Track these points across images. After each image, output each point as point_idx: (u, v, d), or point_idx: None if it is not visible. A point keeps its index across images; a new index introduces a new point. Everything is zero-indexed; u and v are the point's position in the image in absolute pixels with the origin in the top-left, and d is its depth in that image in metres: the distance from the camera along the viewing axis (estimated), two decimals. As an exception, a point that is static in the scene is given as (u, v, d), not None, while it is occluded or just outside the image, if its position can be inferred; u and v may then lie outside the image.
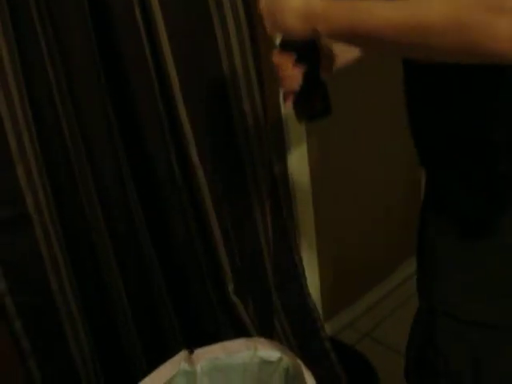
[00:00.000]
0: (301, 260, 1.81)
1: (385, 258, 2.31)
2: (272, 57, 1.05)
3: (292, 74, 1.03)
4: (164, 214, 1.48)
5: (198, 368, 1.33)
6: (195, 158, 1.42)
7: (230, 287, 1.56)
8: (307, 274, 1.85)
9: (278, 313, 1.76)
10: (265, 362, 1.32)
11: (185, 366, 1.32)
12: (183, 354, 1.33)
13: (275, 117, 1.70)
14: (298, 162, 1.82)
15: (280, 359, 1.31)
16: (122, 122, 1.38)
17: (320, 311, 1.96)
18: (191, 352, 1.34)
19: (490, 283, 1.08)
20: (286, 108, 1.11)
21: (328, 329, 2.06)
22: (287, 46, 1.03)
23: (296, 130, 1.77)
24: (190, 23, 1.36)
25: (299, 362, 1.27)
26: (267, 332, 1.70)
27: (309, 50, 1.03)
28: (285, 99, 1.09)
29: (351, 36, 0.86)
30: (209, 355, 1.35)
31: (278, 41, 1.06)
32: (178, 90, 1.36)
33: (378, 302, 2.33)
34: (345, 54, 1.17)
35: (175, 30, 1.32)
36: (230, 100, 1.47)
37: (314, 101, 1.07)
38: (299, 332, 1.84)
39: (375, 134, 2.07)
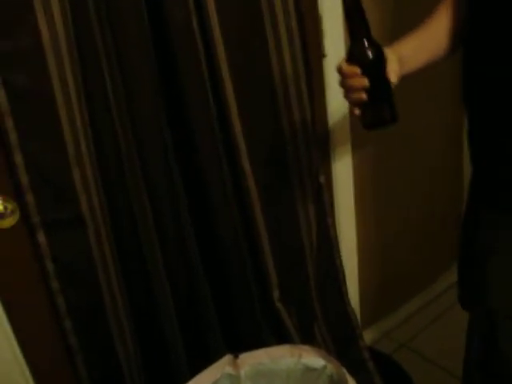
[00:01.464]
0: (342, 268, 1.81)
1: (424, 268, 2.31)
2: (339, 67, 1.09)
3: (359, 83, 1.06)
4: (213, 220, 1.50)
5: (242, 373, 1.36)
6: (247, 167, 1.45)
7: (276, 294, 1.57)
8: (347, 281, 1.87)
9: (318, 320, 1.77)
10: (308, 369, 1.34)
11: (229, 369, 1.34)
12: (228, 358, 1.35)
13: (323, 127, 1.72)
14: (343, 172, 1.84)
15: (324, 367, 1.32)
16: (176, 132, 1.42)
17: (358, 320, 1.96)
18: (236, 356, 1.36)
19: None
20: (354, 116, 1.13)
21: (366, 337, 2.06)
22: (356, 58, 1.07)
23: (342, 140, 1.79)
24: (245, 32, 1.39)
25: (343, 370, 1.28)
26: (308, 339, 1.71)
27: (376, 61, 1.07)
28: (352, 108, 1.13)
29: None
30: (253, 360, 1.37)
31: (344, 53, 1.10)
32: (232, 100, 1.39)
33: (416, 312, 2.32)
34: (411, 61, 1.20)
35: (230, 38, 1.35)
36: (280, 109, 1.49)
37: (381, 109, 1.11)
38: (338, 340, 1.85)
39: (421, 145, 2.07)
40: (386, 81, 1.09)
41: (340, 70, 1.09)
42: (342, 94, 1.12)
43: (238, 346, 1.54)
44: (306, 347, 1.38)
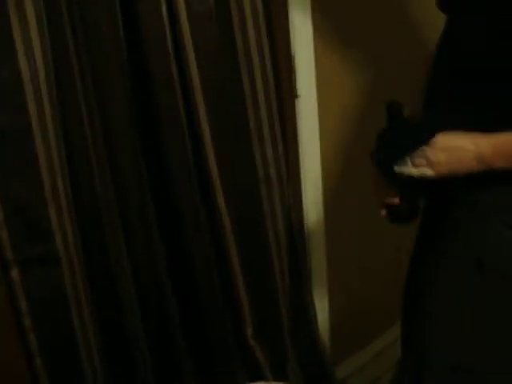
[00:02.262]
0: (313, 305, 1.83)
1: (395, 303, 2.33)
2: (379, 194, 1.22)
3: (392, 202, 1.20)
4: (188, 258, 1.51)
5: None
6: (221, 203, 1.47)
7: (249, 331, 1.58)
8: (318, 318, 1.88)
9: (290, 356, 1.78)
10: (282, 407, 1.35)
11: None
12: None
13: (295, 165, 1.75)
14: (314, 210, 1.87)
15: (297, 404, 1.33)
16: (153, 171, 1.44)
17: (329, 356, 1.97)
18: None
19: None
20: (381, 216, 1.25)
21: (338, 373, 2.07)
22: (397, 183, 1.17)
23: (312, 181, 1.82)
24: (221, 74, 1.43)
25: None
26: (279, 375, 1.71)
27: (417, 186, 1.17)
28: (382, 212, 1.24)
29: None
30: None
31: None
32: (209, 142, 1.43)
33: (387, 347, 2.33)
34: None
35: (208, 85, 1.40)
36: (254, 146, 1.53)
37: (408, 212, 1.23)
38: (310, 377, 1.86)
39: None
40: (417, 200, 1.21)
41: (376, 194, 1.24)
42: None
43: (211, 382, 1.54)
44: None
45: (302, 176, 1.80)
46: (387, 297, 2.29)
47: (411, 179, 1.13)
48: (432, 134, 1.10)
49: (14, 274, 1.25)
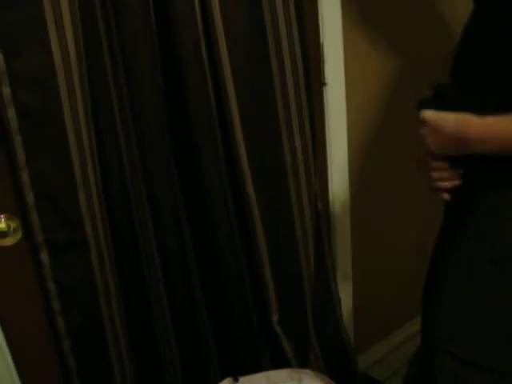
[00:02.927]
0: (337, 294, 1.83)
1: (418, 294, 2.32)
2: (429, 164, 1.16)
3: (449, 175, 1.15)
4: (215, 245, 1.52)
5: (241, 396, 1.36)
6: (251, 192, 1.47)
7: (275, 318, 1.58)
8: (342, 307, 1.88)
9: (314, 345, 1.78)
10: (308, 394, 1.35)
11: (229, 393, 1.35)
12: (228, 381, 1.35)
13: (322, 154, 1.75)
14: (340, 199, 1.87)
15: (323, 392, 1.33)
16: (181, 159, 1.44)
17: (353, 345, 1.97)
18: (236, 380, 1.37)
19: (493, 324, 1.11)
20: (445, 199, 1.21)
21: (360, 363, 2.07)
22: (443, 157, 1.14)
23: (340, 168, 1.82)
24: (251, 63, 1.43)
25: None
26: (303, 364, 1.71)
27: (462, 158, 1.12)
28: (441, 194, 1.20)
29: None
30: (253, 384, 1.37)
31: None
32: (238, 128, 1.42)
33: (409, 338, 2.33)
34: None
35: (238, 71, 1.39)
36: (283, 138, 1.52)
37: None
38: (333, 366, 1.86)
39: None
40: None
41: (427, 164, 1.17)
42: (429, 184, 1.20)
43: (236, 369, 1.55)
44: (307, 371, 1.39)
45: (329, 165, 1.79)
46: (411, 288, 2.28)
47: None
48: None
49: (44, 256, 1.27)
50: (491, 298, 1.12)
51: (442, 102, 1.13)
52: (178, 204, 1.45)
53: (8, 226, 1.26)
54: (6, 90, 1.13)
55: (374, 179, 1.97)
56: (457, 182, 1.15)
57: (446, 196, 1.19)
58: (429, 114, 1.11)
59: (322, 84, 1.69)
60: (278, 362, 1.62)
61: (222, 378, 1.40)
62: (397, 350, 2.29)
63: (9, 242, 1.27)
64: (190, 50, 1.33)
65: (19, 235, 1.27)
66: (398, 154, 1.98)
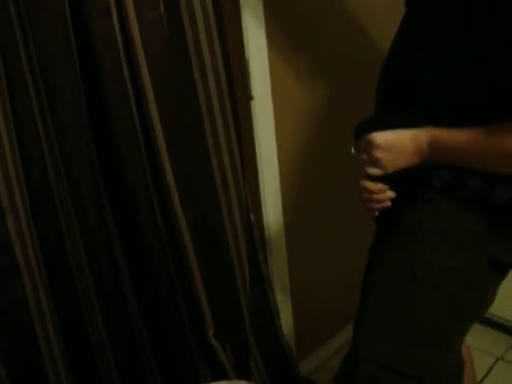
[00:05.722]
0: (275, 302, 1.86)
1: (356, 298, 2.37)
2: (366, 185, 1.24)
3: (386, 197, 1.22)
4: (146, 263, 1.53)
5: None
6: (177, 206, 1.48)
7: (210, 331, 1.61)
8: (280, 314, 1.92)
9: (254, 355, 1.81)
10: (245, 404, 1.38)
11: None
12: (166, 398, 1.37)
13: (252, 167, 1.78)
14: (273, 210, 1.90)
15: (259, 401, 1.36)
16: (106, 171, 1.44)
17: (294, 352, 2.01)
18: (174, 396, 1.39)
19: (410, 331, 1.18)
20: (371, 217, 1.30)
21: (303, 368, 2.11)
22: (381, 178, 1.21)
23: (271, 179, 1.86)
24: (173, 76, 1.44)
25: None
26: (244, 373, 1.74)
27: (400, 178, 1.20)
28: (372, 213, 1.28)
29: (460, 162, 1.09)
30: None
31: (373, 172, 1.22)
32: (162, 145, 1.44)
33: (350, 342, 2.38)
34: None
35: (159, 83, 1.41)
36: (210, 150, 1.54)
37: None
38: (274, 373, 1.89)
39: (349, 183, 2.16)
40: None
41: (366, 188, 1.23)
42: (363, 205, 1.27)
43: (177, 382, 1.56)
44: (242, 383, 1.41)
45: (260, 178, 1.82)
46: (350, 291, 2.34)
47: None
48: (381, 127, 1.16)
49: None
50: (409, 308, 1.18)
51: (382, 122, 1.19)
52: (107, 220, 1.45)
53: None
54: None
55: (306, 190, 2.02)
56: (388, 204, 1.23)
57: (377, 214, 1.27)
58: (382, 136, 1.16)
59: (249, 98, 1.72)
60: (218, 374, 1.64)
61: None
62: (339, 354, 2.33)
63: None
64: (111, 70, 1.34)
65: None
66: (329, 165, 2.04)
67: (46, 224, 1.36)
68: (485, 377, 2.16)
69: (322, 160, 2.03)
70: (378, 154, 1.16)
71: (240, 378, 1.63)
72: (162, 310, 1.57)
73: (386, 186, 1.22)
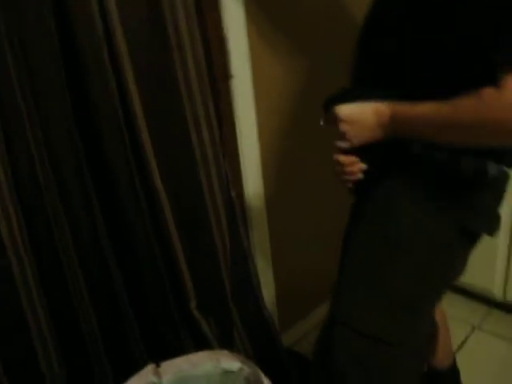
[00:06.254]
0: (257, 274, 1.91)
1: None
2: (338, 158, 1.29)
3: (358, 168, 1.27)
4: (129, 235, 1.56)
5: (165, 380, 1.42)
6: (158, 183, 1.52)
7: (193, 303, 1.65)
8: (263, 287, 1.97)
9: (237, 326, 1.86)
10: (227, 373, 1.42)
11: (152, 378, 1.40)
12: (150, 367, 1.41)
13: (233, 144, 1.82)
14: (254, 186, 1.95)
15: (241, 369, 1.40)
16: (89, 152, 1.47)
17: (276, 323, 2.06)
18: (158, 365, 1.43)
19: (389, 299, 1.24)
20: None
21: (285, 340, 2.17)
22: (353, 150, 1.25)
23: (251, 156, 1.90)
24: (152, 58, 1.47)
25: (259, 371, 1.37)
26: (227, 344, 1.79)
27: (370, 150, 1.24)
28: (346, 184, 1.34)
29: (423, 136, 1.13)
30: (174, 368, 1.43)
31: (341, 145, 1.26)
32: (142, 122, 1.47)
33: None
34: None
35: (139, 67, 1.44)
36: (191, 132, 1.57)
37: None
38: (257, 344, 1.94)
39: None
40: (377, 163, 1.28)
41: (339, 161, 1.28)
42: (337, 177, 1.32)
43: (161, 355, 1.60)
44: (224, 352, 1.46)
45: (241, 154, 1.86)
46: (329, 266, 2.39)
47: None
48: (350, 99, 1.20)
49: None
50: (381, 273, 1.23)
51: (348, 96, 1.23)
52: (92, 200, 1.48)
53: None
54: None
55: (286, 164, 2.06)
56: (360, 176, 1.28)
57: (351, 185, 1.33)
58: (345, 110, 1.21)
59: (229, 77, 1.75)
60: (201, 344, 1.68)
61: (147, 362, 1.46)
62: (320, 326, 2.39)
63: None
64: (90, 50, 1.36)
65: None
66: (308, 139, 2.08)
67: (30, 201, 1.38)
68: (461, 345, 2.23)
69: (301, 135, 2.06)
70: (343, 127, 1.21)
71: (223, 348, 1.67)
72: (145, 283, 1.61)
73: (356, 159, 1.26)
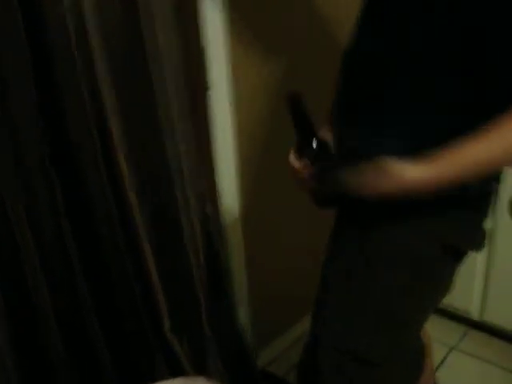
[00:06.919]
0: (232, 292, 1.86)
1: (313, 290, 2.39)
2: (292, 163, 1.24)
3: (307, 176, 1.21)
4: (102, 254, 1.49)
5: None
6: (132, 197, 1.47)
7: (167, 324, 1.59)
8: (238, 304, 1.91)
9: (211, 347, 1.80)
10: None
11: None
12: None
13: (209, 162, 1.77)
14: (230, 202, 1.89)
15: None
16: (60, 167, 1.40)
17: (250, 342, 2.01)
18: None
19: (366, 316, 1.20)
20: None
21: (261, 359, 2.12)
22: (302, 153, 1.21)
23: (228, 170, 1.84)
24: (130, 70, 1.42)
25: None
26: (200, 365, 1.73)
27: (322, 155, 1.19)
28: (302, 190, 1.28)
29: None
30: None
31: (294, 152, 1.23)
32: (117, 132, 1.41)
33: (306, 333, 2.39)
34: None
35: (116, 79, 1.39)
36: (166, 145, 1.52)
37: (328, 195, 1.25)
38: (231, 364, 1.88)
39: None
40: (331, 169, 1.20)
41: (291, 165, 1.25)
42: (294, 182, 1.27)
43: (133, 378, 1.54)
44: (200, 378, 1.40)
45: (217, 168, 1.80)
46: (306, 283, 2.35)
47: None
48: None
49: None
50: (363, 294, 1.19)
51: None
52: (60, 212, 1.41)
53: None
54: None
55: (263, 181, 2.01)
56: (311, 184, 1.22)
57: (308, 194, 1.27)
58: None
59: (206, 88, 1.70)
60: (174, 367, 1.63)
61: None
62: (296, 345, 2.35)
63: None
64: (64, 57, 1.29)
65: None
66: (286, 154, 2.03)
67: None
68: (439, 366, 2.20)
69: (281, 145, 2.01)
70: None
71: (196, 370, 1.62)
72: (117, 303, 1.55)
73: (305, 164, 1.21)
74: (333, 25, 2.05)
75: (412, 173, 1.01)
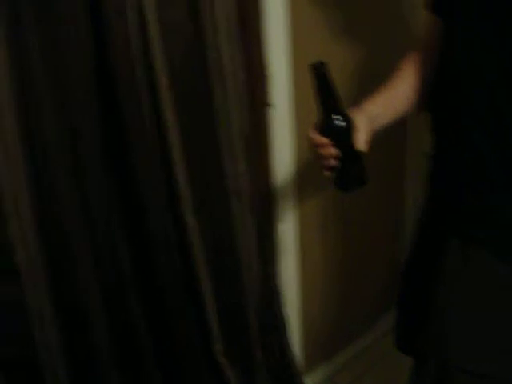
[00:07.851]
0: (283, 316, 1.81)
1: (364, 312, 2.34)
2: (309, 137, 1.16)
3: (329, 153, 1.14)
4: (157, 276, 1.49)
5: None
6: (189, 217, 1.44)
7: (218, 347, 1.56)
8: (290, 328, 1.87)
9: (261, 370, 1.76)
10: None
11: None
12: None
13: (267, 179, 1.74)
14: (288, 223, 1.85)
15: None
16: (119, 180, 1.40)
17: (300, 366, 1.96)
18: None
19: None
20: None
21: (309, 382, 2.08)
22: (326, 131, 1.13)
23: (286, 195, 1.81)
24: (192, 88, 1.40)
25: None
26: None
27: (345, 134, 1.13)
28: (323, 171, 1.19)
29: None
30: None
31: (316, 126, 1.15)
32: (178, 151, 1.39)
33: (357, 356, 2.34)
34: (380, 118, 1.26)
35: (178, 93, 1.36)
36: (225, 164, 1.49)
37: (351, 175, 1.18)
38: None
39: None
40: (355, 149, 1.15)
41: (311, 140, 1.16)
42: (314, 158, 1.18)
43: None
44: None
45: (275, 189, 1.77)
46: (356, 306, 2.30)
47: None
48: None
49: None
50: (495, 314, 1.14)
51: None
52: (119, 237, 1.41)
53: None
54: None
55: (322, 202, 1.97)
56: (333, 163, 1.15)
57: (327, 174, 1.19)
58: None
59: (268, 106, 1.66)
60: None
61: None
62: (345, 368, 2.30)
63: None
64: (127, 73, 1.29)
65: None
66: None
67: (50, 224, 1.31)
68: None
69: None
70: None
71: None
72: (171, 326, 1.54)
73: (328, 140, 1.13)
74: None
75: None
